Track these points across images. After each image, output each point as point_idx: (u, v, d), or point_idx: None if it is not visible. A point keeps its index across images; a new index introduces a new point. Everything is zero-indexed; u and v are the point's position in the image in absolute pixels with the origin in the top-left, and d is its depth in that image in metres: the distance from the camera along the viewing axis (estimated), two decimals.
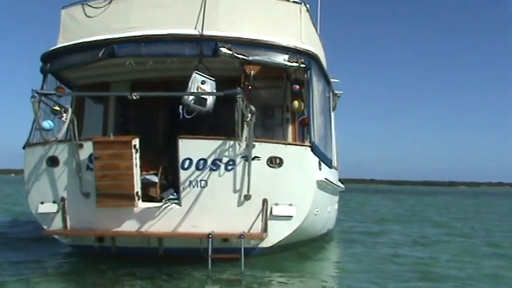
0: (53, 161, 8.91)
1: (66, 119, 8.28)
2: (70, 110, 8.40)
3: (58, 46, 9.72)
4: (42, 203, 9.03)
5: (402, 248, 12.04)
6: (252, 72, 9.64)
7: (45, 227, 9.13)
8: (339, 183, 14.07)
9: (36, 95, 7.95)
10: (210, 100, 8.60)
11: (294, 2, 9.98)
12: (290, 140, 10.29)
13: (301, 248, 10.38)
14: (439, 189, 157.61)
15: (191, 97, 8.57)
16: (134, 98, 7.94)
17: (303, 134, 9.96)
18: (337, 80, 14.25)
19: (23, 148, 9.27)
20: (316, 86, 9.96)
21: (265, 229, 8.59)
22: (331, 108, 12.53)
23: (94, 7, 9.62)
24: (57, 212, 8.91)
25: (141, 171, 8.71)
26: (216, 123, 9.74)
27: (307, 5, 10.12)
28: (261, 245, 8.86)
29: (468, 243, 13.24)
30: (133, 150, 8.45)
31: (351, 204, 33.06)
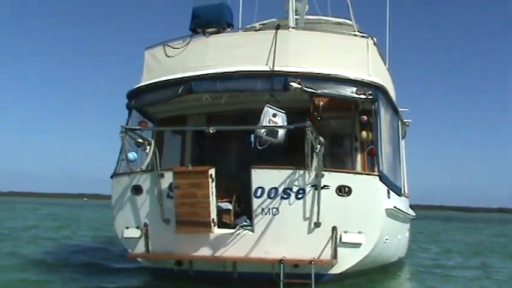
0: (137, 190, 9.54)
1: (149, 151, 8.92)
2: (153, 143, 9.03)
3: (142, 84, 10.47)
4: (127, 228, 9.66)
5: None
6: (321, 103, 9.89)
7: (129, 250, 9.75)
8: (410, 211, 13.95)
9: (123, 130, 8.63)
10: (282, 132, 8.96)
11: (361, 36, 10.25)
12: (359, 168, 10.42)
13: (372, 275, 10.40)
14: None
15: (263, 129, 8.96)
16: (211, 131, 8.41)
17: (372, 163, 10.09)
18: (406, 110, 14.32)
19: (111, 177, 9.99)
20: (384, 116, 10.11)
21: (334, 256, 8.76)
22: (400, 137, 12.53)
23: (174, 47, 10.31)
24: (141, 236, 9.49)
25: (217, 199, 9.15)
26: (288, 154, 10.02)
27: (375, 39, 10.35)
28: (331, 271, 9.01)
29: None
30: (210, 180, 8.90)
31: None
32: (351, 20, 12.82)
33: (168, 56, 10.35)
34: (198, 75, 9.76)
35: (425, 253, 17.88)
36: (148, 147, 9.06)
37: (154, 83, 10.24)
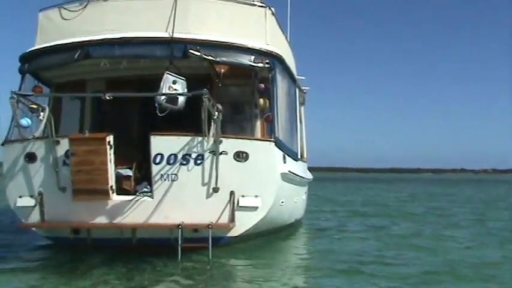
0: (30, 157, 9.17)
1: (43, 117, 8.57)
2: (47, 109, 8.68)
3: (36, 47, 9.95)
4: (20, 197, 9.29)
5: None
6: (222, 70, 9.95)
7: (22, 220, 9.40)
8: (307, 175, 14.52)
9: (14, 96, 8.21)
10: (182, 99, 8.95)
11: (260, 6, 10.36)
12: (258, 135, 10.68)
13: (269, 236, 10.80)
14: (406, 176, 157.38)
15: (163, 96, 8.90)
16: (108, 98, 8.23)
17: (271, 129, 10.35)
18: (303, 78, 14.71)
19: (2, 145, 9.51)
20: (281, 84, 10.37)
21: (232, 219, 9.00)
22: (298, 104, 12.91)
23: (70, 10, 9.89)
24: (35, 205, 9.18)
25: (116, 165, 9.02)
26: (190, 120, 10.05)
27: (272, 9, 10.50)
28: (228, 235, 9.26)
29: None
30: (108, 147, 8.75)
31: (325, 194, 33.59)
32: None
33: (65, 19, 9.92)
34: (96, 40, 9.47)
35: (320, 214, 18.72)
36: (42, 113, 8.69)
37: (50, 46, 9.80)
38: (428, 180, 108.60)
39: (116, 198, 8.94)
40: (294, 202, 11.87)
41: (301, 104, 15.15)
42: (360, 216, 18.13)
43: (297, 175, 11.45)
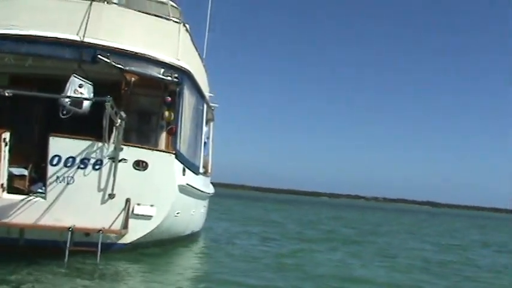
0: None
1: None
2: None
3: None
4: None
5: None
6: (133, 79, 9.99)
7: None
8: (209, 189, 14.72)
9: None
10: (87, 103, 8.87)
11: (175, 21, 10.52)
12: (163, 146, 10.74)
13: (162, 246, 10.83)
14: (303, 198, 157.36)
15: (68, 99, 8.77)
16: (7, 94, 8.01)
17: (174, 141, 10.46)
18: (212, 94, 14.98)
19: None
20: (188, 99, 10.56)
21: (125, 226, 8.98)
22: (204, 120, 13.12)
23: None
24: None
25: (11, 164, 8.74)
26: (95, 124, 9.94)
27: (187, 25, 10.71)
28: (120, 241, 9.24)
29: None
30: (3, 144, 8.49)
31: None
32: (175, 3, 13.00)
33: None
34: (2, 34, 9.15)
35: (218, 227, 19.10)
36: None
37: None
38: (325, 203, 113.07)
39: (5, 196, 8.65)
40: (190, 214, 12.00)
41: (210, 120, 15.42)
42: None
43: (196, 188, 11.61)
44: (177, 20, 10.60)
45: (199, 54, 12.56)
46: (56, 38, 9.23)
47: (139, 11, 10.46)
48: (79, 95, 8.91)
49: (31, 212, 8.75)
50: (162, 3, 13.11)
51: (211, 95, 14.76)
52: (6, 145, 8.52)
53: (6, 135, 8.55)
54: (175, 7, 13.12)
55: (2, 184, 8.53)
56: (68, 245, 8.35)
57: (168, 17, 10.71)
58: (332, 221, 32.31)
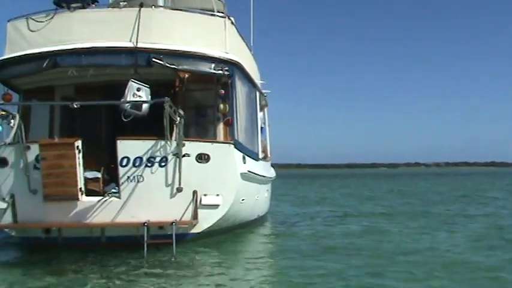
0: (2, 162, 9.46)
1: (14, 124, 8.89)
2: (17, 117, 9.01)
3: (5, 57, 10.22)
4: None
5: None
6: (186, 76, 10.40)
7: None
8: (270, 173, 15.06)
9: None
10: (145, 105, 9.36)
11: (220, 16, 10.83)
12: (221, 137, 11.13)
13: (232, 232, 11.28)
14: (361, 171, 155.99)
15: (127, 103, 9.29)
16: (76, 106, 8.61)
17: (231, 132, 10.84)
18: (264, 82, 15.24)
19: None
20: (240, 89, 10.88)
21: (195, 217, 9.47)
22: (258, 107, 13.40)
23: (38, 21, 10.16)
24: (7, 208, 9.47)
25: (85, 168, 9.37)
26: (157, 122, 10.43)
27: (232, 18, 11.00)
28: (192, 231, 9.73)
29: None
30: (77, 151, 9.11)
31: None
32: None
33: (32, 30, 10.18)
34: (64, 50, 9.78)
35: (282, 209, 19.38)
36: (13, 120, 9.01)
37: (19, 56, 10.06)
38: (384, 174, 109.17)
39: (84, 199, 9.30)
40: (255, 200, 12.38)
41: (264, 106, 15.70)
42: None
43: (258, 174, 11.96)
44: (222, 15, 10.91)
45: (246, 44, 12.84)
46: (112, 47, 9.75)
47: (185, 10, 10.85)
48: (138, 99, 9.42)
49: (108, 211, 9.38)
50: None
51: (262, 82, 15.03)
52: (79, 152, 9.13)
53: (79, 143, 9.16)
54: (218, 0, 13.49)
55: (80, 188, 9.17)
56: (145, 239, 8.90)
57: (213, 13, 11.03)
58: (393, 194, 31.91)
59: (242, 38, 12.20)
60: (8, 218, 9.52)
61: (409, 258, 8.71)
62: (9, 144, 9.24)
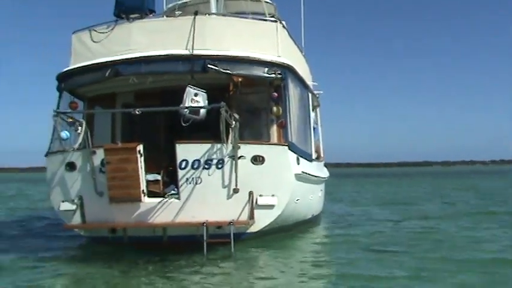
0: (71, 166, 10.09)
1: (81, 131, 9.48)
2: (84, 124, 9.58)
3: (70, 68, 10.87)
4: (63, 201, 10.22)
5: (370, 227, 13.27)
6: (240, 79, 10.73)
7: (66, 221, 10.34)
8: (323, 173, 15.17)
9: (56, 113, 9.20)
10: (203, 110, 9.72)
11: (271, 21, 11.08)
12: (275, 139, 11.36)
13: (288, 231, 11.49)
14: (414, 170, 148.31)
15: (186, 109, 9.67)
16: (137, 112, 9.08)
17: (285, 134, 11.05)
18: (316, 83, 15.37)
19: (45, 156, 10.44)
20: (293, 92, 11.08)
21: (251, 217, 9.75)
22: (311, 109, 13.55)
23: (99, 32, 10.76)
24: (76, 209, 10.09)
25: (147, 171, 9.84)
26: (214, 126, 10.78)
27: (283, 22, 11.23)
28: (249, 231, 10.02)
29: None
30: (138, 155, 9.57)
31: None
32: None
33: (94, 41, 10.76)
34: (125, 59, 10.29)
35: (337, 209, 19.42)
36: (79, 127, 9.60)
37: (83, 66, 10.66)
38: (438, 173, 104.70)
39: (147, 200, 9.76)
40: (309, 199, 12.54)
41: (316, 106, 15.84)
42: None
43: (311, 175, 12.12)
44: (274, 19, 11.15)
45: (298, 47, 13.02)
46: (169, 55, 10.17)
47: (237, 16, 11.15)
48: (196, 104, 9.78)
49: (169, 212, 9.80)
50: (257, 0, 13.81)
51: (314, 83, 15.17)
52: (141, 156, 9.59)
53: (140, 147, 9.62)
54: (269, 3, 13.79)
55: (143, 190, 9.64)
56: (205, 238, 9.26)
57: (264, 17, 11.30)
58: (452, 191, 31.15)
59: (294, 40, 12.40)
60: (77, 219, 10.14)
61: None
62: (76, 149, 9.82)
